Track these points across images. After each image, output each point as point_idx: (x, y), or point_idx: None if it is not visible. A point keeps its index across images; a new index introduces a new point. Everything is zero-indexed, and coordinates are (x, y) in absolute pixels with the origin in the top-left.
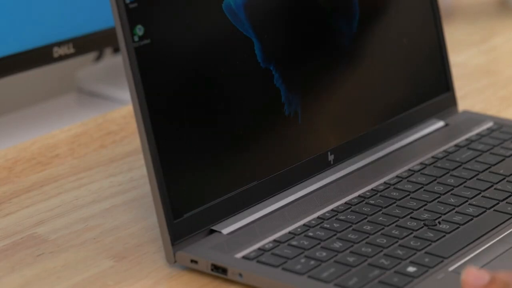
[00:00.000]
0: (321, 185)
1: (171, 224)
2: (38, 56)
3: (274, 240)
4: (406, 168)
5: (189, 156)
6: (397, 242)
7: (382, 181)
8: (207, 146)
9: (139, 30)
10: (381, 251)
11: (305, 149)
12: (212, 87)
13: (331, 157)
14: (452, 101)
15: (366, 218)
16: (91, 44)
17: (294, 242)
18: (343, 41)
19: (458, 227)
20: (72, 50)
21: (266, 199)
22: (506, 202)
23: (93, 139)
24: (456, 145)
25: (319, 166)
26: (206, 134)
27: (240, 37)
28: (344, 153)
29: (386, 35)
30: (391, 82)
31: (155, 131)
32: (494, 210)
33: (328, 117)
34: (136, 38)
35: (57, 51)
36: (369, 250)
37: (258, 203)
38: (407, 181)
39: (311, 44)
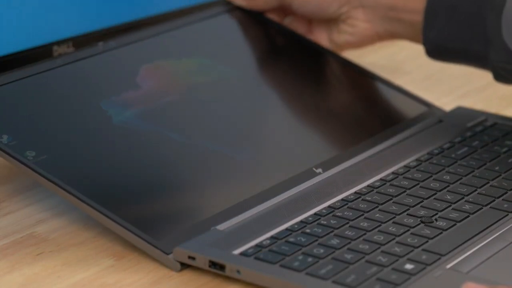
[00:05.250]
0: (317, 181)
1: (157, 244)
2: (38, 55)
3: (272, 237)
4: (402, 164)
5: (153, 195)
6: (394, 239)
7: (378, 177)
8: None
9: (30, 153)
10: (379, 248)
11: (286, 168)
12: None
13: (318, 170)
14: (438, 112)
15: (363, 214)
16: (90, 42)
17: (291, 239)
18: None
19: (455, 224)
20: (71, 49)
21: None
22: (502, 199)
23: None
24: (451, 142)
25: (309, 177)
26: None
27: (147, 134)
28: (330, 165)
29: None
30: (366, 116)
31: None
32: (490, 207)
33: (304, 140)
34: (30, 158)
35: (57, 50)
36: (367, 247)
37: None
38: (403, 177)
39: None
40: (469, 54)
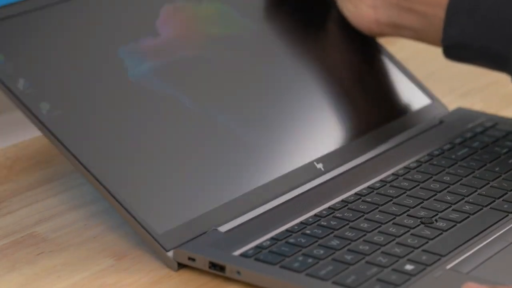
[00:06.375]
0: (317, 183)
1: (158, 237)
2: None
3: (272, 238)
4: (402, 165)
5: (158, 181)
6: (394, 239)
7: (378, 178)
8: (172, 173)
9: (44, 106)
10: (379, 248)
11: (287, 161)
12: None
13: (319, 165)
14: (440, 109)
15: (363, 215)
16: None
17: (291, 240)
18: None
19: (455, 225)
20: None
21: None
22: (503, 200)
23: None
24: (451, 143)
25: (310, 174)
26: (167, 168)
27: (162, 95)
28: (331, 161)
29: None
30: (368, 100)
31: (108, 182)
32: (490, 207)
33: (305, 131)
34: (44, 111)
35: None
36: (367, 247)
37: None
38: (403, 178)
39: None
40: (490, 54)
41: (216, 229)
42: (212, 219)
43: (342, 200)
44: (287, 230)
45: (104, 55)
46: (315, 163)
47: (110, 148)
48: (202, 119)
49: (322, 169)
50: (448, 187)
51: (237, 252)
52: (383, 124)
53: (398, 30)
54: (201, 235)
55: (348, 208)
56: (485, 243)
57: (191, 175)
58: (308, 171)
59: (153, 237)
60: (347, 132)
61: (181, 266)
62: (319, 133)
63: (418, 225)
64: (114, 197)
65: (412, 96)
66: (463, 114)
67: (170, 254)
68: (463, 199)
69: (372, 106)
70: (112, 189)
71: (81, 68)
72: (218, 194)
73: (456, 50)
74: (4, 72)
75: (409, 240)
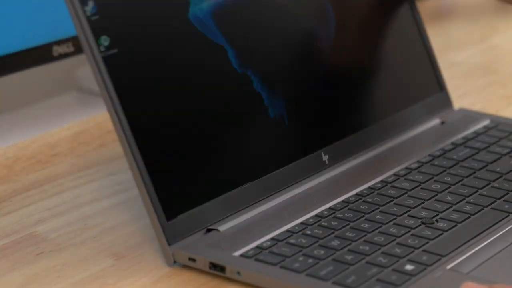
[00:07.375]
0: (318, 182)
1: (165, 225)
2: (38, 55)
3: (272, 238)
4: (403, 166)
5: (176, 160)
6: (394, 240)
7: (379, 179)
8: (192, 150)
9: (105, 40)
10: (379, 249)
11: (296, 150)
12: (189, 93)
13: (325, 157)
14: (446, 101)
15: (363, 216)
16: None
17: (292, 240)
18: (322, 46)
19: (455, 225)
20: (71, 49)
21: (263, 199)
22: (504, 200)
23: (93, 138)
24: (452, 143)
25: (315, 166)
26: (190, 139)
27: (211, 44)
28: (338, 153)
29: (366, 39)
30: (379, 85)
31: (137, 139)
32: (491, 208)
33: (317, 119)
34: (102, 48)
35: (57, 50)
36: (367, 248)
37: (255, 203)
38: (404, 179)
39: (288, 48)
40: None
41: (217, 230)
42: (216, 212)
43: (343, 201)
44: (287, 231)
45: None
46: (322, 153)
47: (151, 106)
48: (243, 80)
49: (327, 162)
50: (449, 187)
51: (237, 253)
52: (391, 114)
53: None
54: (201, 230)
55: (348, 209)
56: (485, 243)
57: (205, 157)
58: (314, 162)
59: (161, 226)
60: (357, 121)
61: (180, 264)
62: (330, 120)
63: (419, 225)
64: (136, 162)
65: (425, 84)
66: (464, 115)
67: (170, 250)
68: (464, 199)
69: (385, 92)
70: (138, 152)
71: (146, 2)
72: (230, 180)
73: None
74: None
75: (409, 241)
